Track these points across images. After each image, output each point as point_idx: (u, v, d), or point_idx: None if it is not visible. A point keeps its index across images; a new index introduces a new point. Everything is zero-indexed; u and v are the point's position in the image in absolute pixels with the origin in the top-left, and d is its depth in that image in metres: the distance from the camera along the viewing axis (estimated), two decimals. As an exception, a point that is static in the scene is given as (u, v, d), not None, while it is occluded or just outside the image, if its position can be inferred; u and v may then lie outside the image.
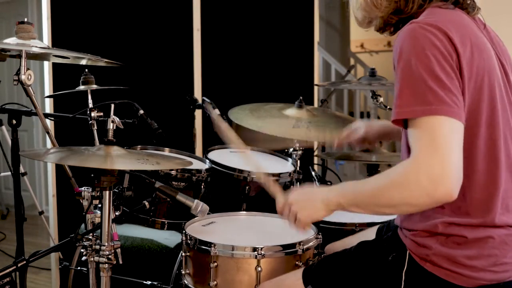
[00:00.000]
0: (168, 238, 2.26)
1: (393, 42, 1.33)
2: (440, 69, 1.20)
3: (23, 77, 1.62)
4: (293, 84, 3.95)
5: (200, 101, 2.72)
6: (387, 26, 1.46)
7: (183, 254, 1.71)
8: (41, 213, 3.11)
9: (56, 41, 2.86)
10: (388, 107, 2.41)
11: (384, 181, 1.24)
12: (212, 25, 3.55)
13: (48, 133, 1.94)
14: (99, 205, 1.65)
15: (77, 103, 2.14)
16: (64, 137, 2.76)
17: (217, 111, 2.46)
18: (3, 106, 2.17)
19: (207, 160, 2.20)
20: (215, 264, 1.59)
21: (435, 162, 1.15)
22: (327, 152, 3.17)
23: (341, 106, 6.30)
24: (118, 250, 1.59)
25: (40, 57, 1.94)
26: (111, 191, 1.55)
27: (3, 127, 3.23)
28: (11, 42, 1.76)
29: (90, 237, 1.59)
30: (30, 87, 1.68)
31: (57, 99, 2.88)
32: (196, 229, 1.78)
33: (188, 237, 1.67)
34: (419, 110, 1.19)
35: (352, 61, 7.28)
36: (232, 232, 1.81)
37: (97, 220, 1.68)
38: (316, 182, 2.69)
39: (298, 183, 2.31)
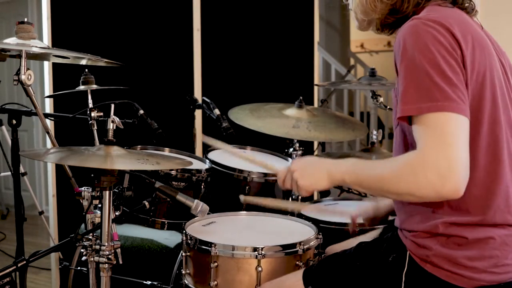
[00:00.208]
0: (168, 238, 2.26)
1: (394, 42, 1.33)
2: (445, 64, 1.20)
3: (23, 77, 1.62)
4: (293, 84, 3.94)
5: (200, 101, 2.72)
6: (384, 27, 1.46)
7: (183, 254, 1.71)
8: (41, 213, 3.11)
9: (56, 41, 2.86)
10: (388, 107, 2.41)
11: (392, 169, 1.24)
12: (212, 25, 3.55)
13: (48, 133, 1.94)
14: (99, 205, 1.65)
15: (77, 103, 2.14)
16: (64, 137, 2.76)
17: (217, 111, 2.46)
18: (3, 106, 2.17)
19: (207, 160, 2.20)
20: (216, 264, 1.59)
21: (442, 158, 1.15)
22: (327, 152, 3.17)
23: (341, 106, 6.30)
24: (118, 250, 1.59)
25: (40, 57, 1.94)
26: (111, 191, 1.55)
27: (3, 127, 3.23)
28: (11, 42, 1.76)
29: (90, 237, 1.59)
30: (30, 87, 1.67)
31: (57, 99, 2.88)
32: (196, 229, 1.78)
33: (189, 237, 1.67)
34: (425, 107, 1.19)
35: (352, 61, 7.28)
36: (232, 232, 1.81)
37: (97, 220, 1.68)
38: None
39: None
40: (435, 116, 1.18)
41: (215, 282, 1.59)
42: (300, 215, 2.10)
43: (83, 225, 1.72)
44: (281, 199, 2.25)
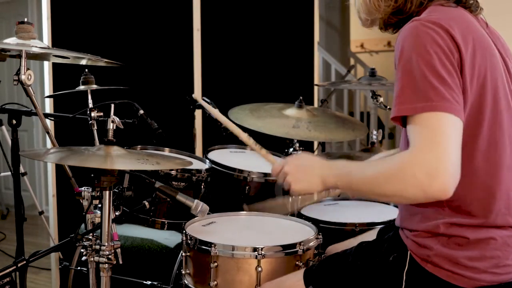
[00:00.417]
0: (168, 238, 2.26)
1: (394, 41, 1.33)
2: (441, 65, 1.20)
3: (23, 77, 1.62)
4: (293, 84, 3.94)
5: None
6: (387, 26, 1.46)
7: (183, 254, 1.71)
8: (41, 213, 3.11)
9: (56, 41, 2.86)
10: (388, 107, 2.41)
11: (381, 172, 1.23)
12: (212, 25, 3.55)
13: (48, 133, 1.94)
14: (99, 205, 1.65)
15: (77, 103, 2.14)
16: (64, 137, 2.76)
17: (217, 111, 2.46)
18: (3, 106, 2.17)
19: (207, 160, 2.20)
20: (215, 264, 1.59)
21: (432, 156, 1.14)
22: (327, 152, 3.17)
23: (341, 106, 6.30)
24: (118, 250, 1.59)
25: (40, 57, 1.94)
26: (111, 191, 1.55)
27: (3, 127, 3.23)
28: (11, 42, 1.76)
29: (90, 237, 1.59)
30: (30, 87, 1.67)
31: (57, 99, 2.88)
32: (196, 229, 1.78)
33: (188, 237, 1.67)
34: (420, 107, 1.19)
35: (352, 61, 7.28)
36: (232, 232, 1.81)
37: (97, 220, 1.68)
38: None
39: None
40: (429, 115, 1.18)
41: (215, 282, 1.59)
42: (300, 215, 2.10)
43: (83, 225, 1.72)
44: (281, 199, 2.25)
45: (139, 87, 2.92)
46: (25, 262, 1.57)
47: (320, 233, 1.73)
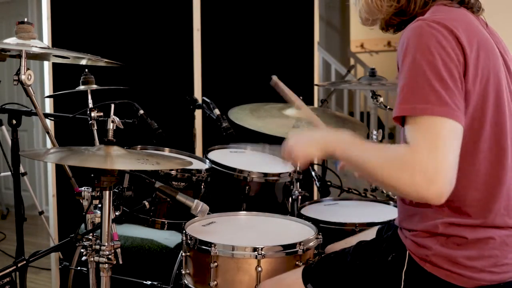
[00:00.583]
0: (168, 238, 2.26)
1: (394, 41, 1.33)
2: (445, 69, 1.19)
3: (23, 77, 1.62)
4: (293, 84, 3.92)
5: (200, 101, 2.72)
6: (389, 27, 1.46)
7: (183, 254, 1.71)
8: (41, 213, 3.11)
9: (56, 41, 2.86)
10: (388, 107, 2.41)
11: (381, 158, 1.23)
12: (212, 25, 3.55)
13: (48, 133, 1.94)
14: (99, 205, 1.65)
15: (77, 103, 2.14)
16: (64, 137, 2.76)
17: (217, 111, 2.46)
18: (3, 106, 2.17)
19: (207, 160, 2.20)
20: (215, 264, 1.59)
21: (432, 162, 1.14)
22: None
23: (341, 106, 6.30)
24: (118, 250, 1.59)
25: (40, 57, 1.94)
26: (111, 191, 1.55)
27: (3, 127, 3.23)
28: (11, 42, 1.76)
29: (90, 237, 1.59)
30: (30, 87, 1.67)
31: (57, 99, 2.88)
32: (196, 229, 1.78)
33: (188, 237, 1.67)
34: (419, 108, 1.18)
35: (352, 61, 7.28)
36: (232, 232, 1.81)
37: (97, 220, 1.68)
38: (316, 182, 2.69)
39: (298, 183, 2.31)
40: (429, 119, 1.18)
41: (215, 282, 1.59)
42: (300, 215, 2.10)
43: (83, 225, 1.72)
44: (281, 198, 2.26)
45: (139, 87, 2.92)
46: (25, 262, 1.57)
47: (320, 233, 1.73)
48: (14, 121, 2.10)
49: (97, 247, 1.56)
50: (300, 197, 2.31)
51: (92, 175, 1.51)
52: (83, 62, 1.98)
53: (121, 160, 1.52)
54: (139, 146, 2.21)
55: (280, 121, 2.27)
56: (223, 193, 2.20)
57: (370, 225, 1.96)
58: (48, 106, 2.89)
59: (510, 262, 1.28)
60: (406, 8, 1.37)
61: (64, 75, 2.86)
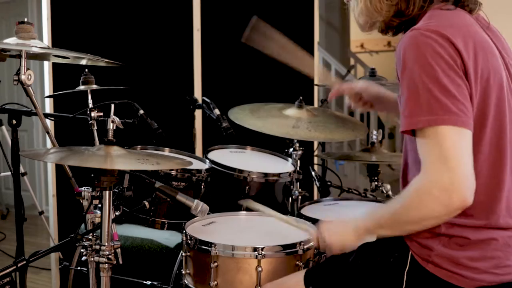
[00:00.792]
0: (168, 238, 2.26)
1: (394, 42, 1.33)
2: (445, 76, 1.20)
3: (23, 77, 1.62)
4: (293, 84, 3.94)
5: (200, 101, 2.72)
6: (388, 29, 1.46)
7: (183, 254, 1.71)
8: (41, 213, 3.11)
9: (56, 41, 2.86)
10: (388, 107, 2.40)
11: (402, 202, 1.27)
12: (212, 25, 3.55)
13: (48, 133, 1.94)
14: (99, 205, 1.65)
15: (77, 103, 2.14)
16: (64, 137, 2.75)
17: (217, 111, 2.46)
18: (3, 106, 2.17)
19: (207, 160, 2.20)
20: (216, 264, 1.59)
21: (444, 174, 1.17)
22: (327, 152, 3.17)
23: (341, 106, 6.30)
24: (118, 250, 1.59)
25: (40, 57, 1.94)
26: (111, 191, 1.55)
27: (3, 127, 3.23)
28: (11, 42, 1.76)
29: (90, 237, 1.59)
30: (30, 87, 1.67)
31: (57, 99, 2.88)
32: (196, 229, 1.78)
33: (189, 237, 1.67)
34: (425, 120, 1.20)
35: (352, 61, 7.28)
36: (232, 232, 1.81)
37: (97, 220, 1.68)
38: (316, 182, 2.69)
39: (298, 183, 2.31)
40: (435, 130, 1.19)
41: (215, 282, 1.59)
42: (300, 215, 2.10)
43: (83, 225, 1.72)
44: (281, 198, 2.25)
45: (139, 87, 2.91)
46: (25, 262, 1.57)
47: (320, 233, 1.73)
48: (14, 121, 2.10)
49: (97, 247, 1.56)
50: (300, 197, 2.31)
51: (92, 175, 1.51)
52: (83, 62, 1.97)
53: (121, 160, 1.52)
54: (139, 146, 2.21)
55: (280, 121, 2.27)
56: (223, 193, 2.20)
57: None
58: (48, 106, 2.89)
59: None
60: (405, 10, 1.38)
61: (64, 75, 2.86)
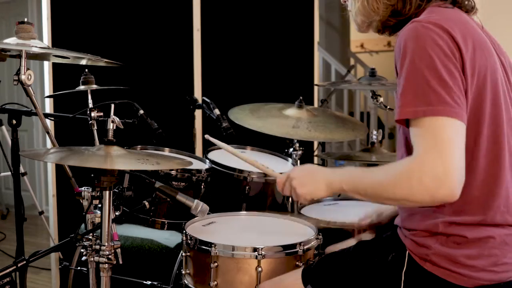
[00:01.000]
0: (168, 238, 2.26)
1: (394, 42, 1.34)
2: (443, 68, 1.20)
3: (23, 77, 1.62)
4: (293, 84, 3.94)
5: (200, 101, 2.72)
6: (385, 28, 1.46)
7: (183, 254, 1.71)
8: (41, 213, 3.11)
9: (56, 41, 2.86)
10: (388, 107, 2.40)
11: (387, 177, 1.25)
12: (212, 25, 3.55)
13: (48, 133, 1.94)
14: (99, 205, 1.65)
15: (77, 103, 2.14)
16: (64, 137, 2.76)
17: (217, 111, 2.46)
18: (3, 106, 2.17)
19: (207, 160, 2.20)
20: (216, 264, 1.59)
21: (438, 163, 1.16)
22: (327, 152, 3.17)
23: (341, 106, 6.30)
24: (118, 250, 1.59)
25: (40, 57, 1.94)
26: (111, 191, 1.55)
27: (3, 127, 3.23)
28: (11, 42, 1.76)
29: (90, 237, 1.59)
30: (30, 87, 1.67)
31: (57, 99, 2.88)
32: (196, 229, 1.78)
33: (189, 237, 1.67)
34: (421, 111, 1.19)
35: (352, 61, 7.28)
36: (232, 232, 1.81)
37: (97, 220, 1.68)
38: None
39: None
40: (431, 120, 1.19)
41: (215, 282, 1.59)
42: (300, 215, 2.10)
43: (83, 225, 1.72)
44: (281, 198, 2.25)
45: (139, 87, 2.92)
46: (25, 262, 1.57)
47: (320, 233, 1.73)
48: (14, 121, 2.10)
49: (97, 247, 1.56)
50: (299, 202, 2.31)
51: (92, 175, 1.51)
52: (83, 62, 1.97)
53: (121, 160, 1.52)
54: (139, 146, 2.21)
55: (280, 121, 2.27)
56: (223, 193, 2.20)
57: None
58: (48, 106, 2.89)
59: (509, 262, 1.29)
60: (402, 9, 1.39)
61: (64, 75, 2.86)
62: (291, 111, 2.34)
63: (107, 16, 3.12)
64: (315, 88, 4.09)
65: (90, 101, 2.07)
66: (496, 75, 1.30)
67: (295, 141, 2.40)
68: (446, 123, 1.18)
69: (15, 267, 1.55)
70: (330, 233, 1.96)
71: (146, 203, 1.77)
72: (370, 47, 8.02)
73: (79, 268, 2.17)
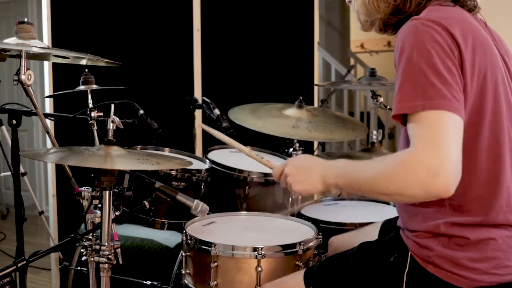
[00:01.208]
0: (168, 238, 2.26)
1: (394, 42, 1.34)
2: (441, 64, 1.20)
3: (23, 77, 1.62)
4: (293, 84, 3.94)
5: (200, 101, 2.72)
6: (387, 27, 1.47)
7: (183, 254, 1.71)
8: (41, 213, 3.11)
9: (56, 41, 2.86)
10: (388, 107, 2.40)
11: (382, 171, 1.23)
12: (212, 25, 3.55)
13: (48, 133, 1.94)
14: (99, 205, 1.65)
15: (77, 103, 2.14)
16: (64, 137, 2.76)
17: (217, 111, 2.46)
18: (3, 106, 2.17)
19: (207, 160, 2.20)
20: (216, 264, 1.59)
21: (433, 156, 1.14)
22: (327, 152, 3.17)
23: (341, 106, 6.30)
24: (118, 250, 1.59)
25: (40, 57, 1.94)
26: (111, 191, 1.55)
27: (3, 127, 3.23)
28: (11, 42, 1.76)
29: (90, 237, 1.59)
30: (30, 87, 1.67)
31: (57, 99, 2.88)
32: (196, 229, 1.78)
33: (189, 237, 1.67)
34: (419, 105, 1.19)
35: (352, 61, 7.28)
36: (232, 232, 1.81)
37: (97, 220, 1.68)
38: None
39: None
40: (429, 114, 1.18)
41: (215, 282, 1.59)
42: (300, 215, 2.10)
43: (83, 225, 1.72)
44: (281, 199, 2.25)
45: (139, 87, 2.92)
46: (25, 262, 1.57)
47: (320, 233, 1.73)
48: (14, 121, 2.10)
49: (97, 247, 1.56)
50: (300, 197, 2.31)
51: (92, 175, 1.51)
52: (83, 62, 1.97)
53: (121, 160, 1.52)
54: (139, 146, 2.21)
55: (280, 121, 2.27)
56: (223, 193, 2.20)
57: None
58: (48, 106, 2.89)
59: None
60: (402, 7, 1.39)
61: (64, 75, 2.86)
62: (291, 111, 2.34)
63: (107, 16, 3.12)
64: (315, 88, 4.09)
65: (90, 101, 2.07)
66: (497, 73, 1.29)
67: (295, 141, 2.40)
68: (445, 117, 1.17)
69: (15, 267, 1.55)
70: (330, 233, 1.96)
71: (146, 203, 1.77)
72: (370, 47, 8.02)
73: (79, 268, 2.17)
